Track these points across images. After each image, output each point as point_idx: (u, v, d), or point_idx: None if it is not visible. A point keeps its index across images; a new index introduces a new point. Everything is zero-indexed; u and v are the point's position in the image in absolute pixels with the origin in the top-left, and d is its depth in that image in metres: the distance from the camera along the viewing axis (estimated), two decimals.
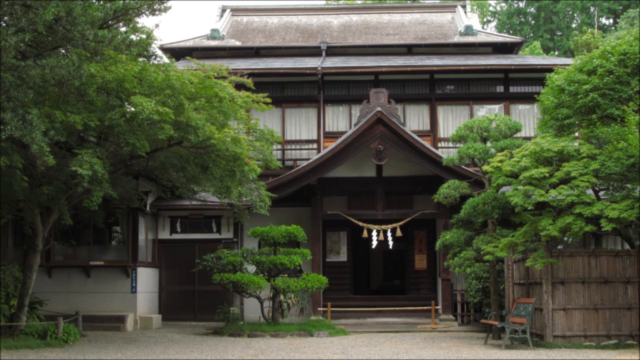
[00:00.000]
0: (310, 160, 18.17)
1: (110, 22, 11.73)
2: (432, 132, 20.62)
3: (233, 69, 16.33)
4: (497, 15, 47.39)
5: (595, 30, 40.37)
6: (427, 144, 18.25)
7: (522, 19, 46.26)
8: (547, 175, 12.74)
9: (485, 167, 14.48)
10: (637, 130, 12.24)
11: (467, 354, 12.05)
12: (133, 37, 12.04)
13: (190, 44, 23.74)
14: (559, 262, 13.16)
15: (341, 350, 12.68)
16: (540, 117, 15.64)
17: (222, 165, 13.58)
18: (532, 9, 45.53)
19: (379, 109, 17.68)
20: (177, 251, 18.85)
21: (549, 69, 16.35)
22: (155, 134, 11.94)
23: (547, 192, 12.68)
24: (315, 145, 20.77)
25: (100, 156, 11.66)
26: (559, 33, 45.06)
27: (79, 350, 12.29)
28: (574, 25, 44.89)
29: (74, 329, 13.47)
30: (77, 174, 11.18)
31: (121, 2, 11.65)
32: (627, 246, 15.22)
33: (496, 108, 20.75)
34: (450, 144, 19.49)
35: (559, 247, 16.47)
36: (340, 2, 43.29)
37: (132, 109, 11.87)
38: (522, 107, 20.82)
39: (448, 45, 23.10)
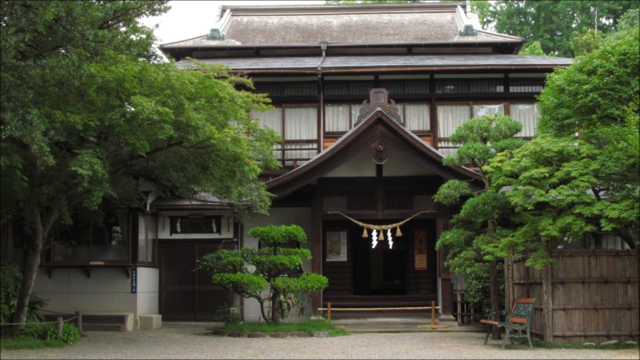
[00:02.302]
0: (310, 160, 18.17)
1: (110, 22, 11.72)
2: (432, 132, 20.62)
3: (233, 69, 16.33)
4: (497, 15, 47.40)
5: (595, 30, 40.37)
6: (427, 144, 18.25)
7: (522, 19, 46.27)
8: (547, 175, 12.73)
9: (485, 167, 14.48)
10: (637, 130, 12.23)
11: (467, 354, 12.05)
12: (133, 37, 12.02)
13: (190, 44, 23.74)
14: (559, 262, 13.16)
15: (341, 350, 12.68)
16: (540, 117, 15.64)
17: (222, 165, 13.58)
18: (532, 9, 45.54)
19: (379, 109, 17.68)
20: (177, 251, 18.85)
21: (549, 69, 16.34)
22: (155, 134, 11.95)
23: (547, 192, 12.68)
24: (315, 145, 20.77)
25: (100, 156, 11.66)
26: (559, 33, 45.06)
27: (79, 350, 12.29)
28: (574, 25, 44.89)
29: (74, 329, 13.47)
30: (77, 174, 11.18)
31: (121, 2, 11.64)
32: (627, 246, 15.22)
33: (496, 108, 20.75)
34: (450, 144, 19.49)
35: (559, 247, 16.47)
36: (340, 2, 43.29)
37: (132, 109, 11.87)
38: (522, 107, 20.82)
39: (448, 45, 23.11)
